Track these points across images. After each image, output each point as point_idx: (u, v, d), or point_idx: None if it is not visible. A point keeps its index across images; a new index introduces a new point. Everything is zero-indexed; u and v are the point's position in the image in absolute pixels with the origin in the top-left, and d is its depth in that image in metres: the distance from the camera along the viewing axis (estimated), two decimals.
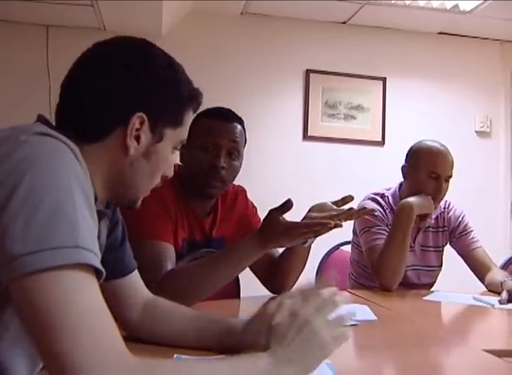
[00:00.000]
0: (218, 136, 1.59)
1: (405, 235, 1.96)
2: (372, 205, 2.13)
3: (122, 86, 0.86)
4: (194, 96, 0.96)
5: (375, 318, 1.45)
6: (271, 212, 1.40)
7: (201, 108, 1.74)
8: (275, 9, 3.67)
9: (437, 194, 2.06)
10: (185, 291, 1.17)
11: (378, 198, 2.18)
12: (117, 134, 0.86)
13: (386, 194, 2.20)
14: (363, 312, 1.52)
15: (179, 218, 1.60)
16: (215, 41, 3.69)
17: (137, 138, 0.87)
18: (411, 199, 2.00)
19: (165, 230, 1.52)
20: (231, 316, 1.29)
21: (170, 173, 0.98)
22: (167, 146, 0.92)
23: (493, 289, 2.02)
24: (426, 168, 2.07)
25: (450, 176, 2.08)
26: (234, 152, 1.62)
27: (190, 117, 0.96)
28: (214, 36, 3.69)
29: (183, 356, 0.96)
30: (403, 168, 2.17)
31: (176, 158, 0.98)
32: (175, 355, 0.97)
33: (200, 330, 1.05)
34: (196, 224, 1.68)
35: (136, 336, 1.07)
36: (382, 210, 2.13)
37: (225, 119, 1.62)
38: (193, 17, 3.63)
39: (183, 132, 0.96)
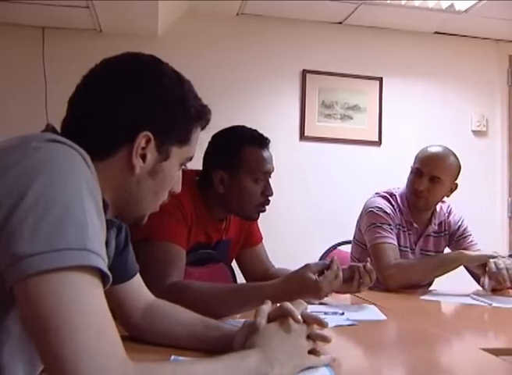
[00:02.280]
0: (267, 167, 1.67)
1: (440, 271, 2.03)
2: (381, 202, 2.14)
3: (129, 104, 0.86)
4: (202, 114, 0.95)
5: (385, 317, 1.46)
6: (306, 267, 1.34)
7: None
8: (270, 10, 3.67)
9: (413, 188, 2.06)
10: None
11: (387, 196, 2.19)
12: (123, 153, 0.86)
13: (395, 193, 2.20)
14: (372, 312, 1.53)
15: (195, 222, 1.62)
16: (211, 42, 3.69)
17: (143, 157, 0.87)
18: (470, 254, 2.02)
19: (179, 232, 1.53)
20: (229, 318, 1.30)
21: (178, 189, 0.98)
22: (173, 164, 0.92)
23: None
24: (413, 164, 2.12)
25: (436, 177, 2.05)
26: (270, 177, 1.72)
27: (197, 134, 0.96)
28: (210, 37, 3.69)
29: (180, 357, 0.96)
30: None
31: (180, 173, 0.98)
32: (172, 357, 0.97)
33: (195, 336, 1.05)
34: (214, 229, 1.72)
35: (135, 336, 1.07)
36: (392, 208, 2.13)
37: (267, 148, 1.69)
38: (189, 18, 3.63)
39: (190, 149, 0.95)
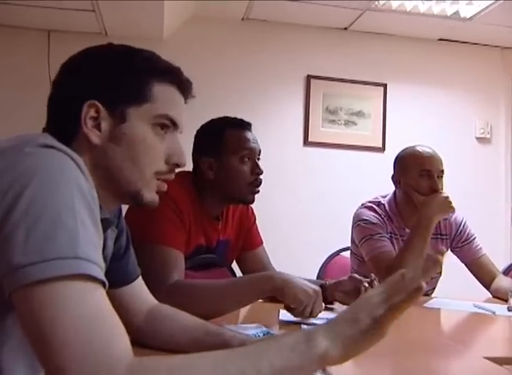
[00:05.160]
0: (251, 145, 1.69)
1: (424, 245, 1.96)
2: (368, 213, 2.12)
3: (68, 82, 0.89)
4: (160, 69, 0.92)
5: None
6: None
7: (206, 114, 1.79)
8: (276, 15, 3.68)
9: (432, 190, 2.04)
10: (186, 310, 1.16)
11: (374, 206, 2.16)
12: (80, 132, 0.86)
13: (382, 202, 2.18)
14: None
15: (194, 224, 1.63)
16: (216, 47, 3.70)
17: (98, 127, 0.87)
18: (430, 209, 1.98)
19: (177, 237, 1.53)
20: (230, 324, 1.29)
21: (179, 159, 0.93)
22: (137, 125, 0.88)
23: (500, 296, 2.01)
24: (416, 168, 2.07)
25: (443, 172, 2.08)
26: (259, 158, 1.73)
27: (162, 91, 0.91)
28: (215, 41, 3.70)
29: None
30: (393, 178, 2.17)
31: (172, 142, 0.93)
32: None
33: (196, 342, 1.04)
34: (212, 229, 1.72)
35: (137, 340, 1.06)
36: (379, 217, 2.11)
37: (249, 129, 1.72)
38: (195, 22, 3.64)
39: (157, 107, 0.90)
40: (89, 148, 0.86)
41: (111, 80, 0.88)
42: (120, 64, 0.90)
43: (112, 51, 0.92)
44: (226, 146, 1.66)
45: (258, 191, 1.71)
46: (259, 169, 1.69)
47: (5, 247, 0.65)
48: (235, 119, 1.74)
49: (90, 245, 0.68)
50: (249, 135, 1.70)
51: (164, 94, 0.91)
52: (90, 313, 0.64)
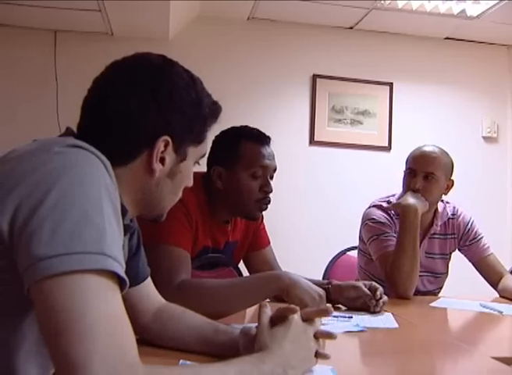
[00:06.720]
0: (265, 162, 1.65)
1: (414, 240, 1.93)
2: (377, 212, 2.12)
3: (148, 111, 0.87)
4: (215, 112, 0.97)
5: (397, 326, 1.44)
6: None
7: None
8: (281, 14, 3.67)
9: (408, 188, 2.02)
10: (194, 309, 1.17)
11: (383, 204, 2.16)
12: (143, 158, 0.88)
13: (392, 200, 2.18)
14: (385, 319, 1.51)
15: (201, 227, 1.63)
16: (221, 46, 3.70)
17: (162, 160, 0.89)
18: (413, 202, 1.96)
19: (184, 237, 1.54)
20: (237, 324, 1.29)
21: (190, 183, 1.00)
22: (190, 163, 0.95)
23: (507, 295, 2.01)
24: (406, 166, 2.09)
25: (431, 174, 2.01)
26: (273, 175, 1.69)
27: (209, 132, 0.97)
28: (221, 41, 3.70)
29: (188, 362, 0.96)
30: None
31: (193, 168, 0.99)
32: (180, 361, 0.97)
33: (204, 340, 1.05)
34: (220, 232, 1.72)
35: (145, 339, 1.07)
36: (388, 217, 2.11)
37: (266, 144, 1.67)
38: (201, 22, 3.64)
39: (205, 147, 0.97)
40: (144, 175, 0.89)
41: (184, 119, 0.90)
42: (194, 105, 0.92)
43: (185, 84, 0.92)
44: (239, 159, 1.63)
45: (265, 209, 1.69)
46: (268, 187, 1.65)
47: (29, 241, 0.65)
48: (254, 130, 1.70)
49: (115, 244, 0.69)
50: (265, 151, 1.65)
51: (209, 135, 0.98)
52: (109, 311, 0.65)
